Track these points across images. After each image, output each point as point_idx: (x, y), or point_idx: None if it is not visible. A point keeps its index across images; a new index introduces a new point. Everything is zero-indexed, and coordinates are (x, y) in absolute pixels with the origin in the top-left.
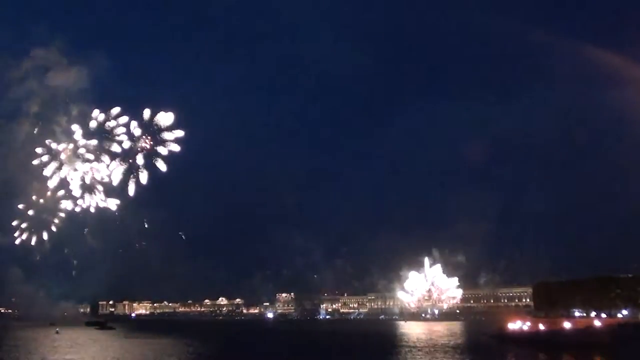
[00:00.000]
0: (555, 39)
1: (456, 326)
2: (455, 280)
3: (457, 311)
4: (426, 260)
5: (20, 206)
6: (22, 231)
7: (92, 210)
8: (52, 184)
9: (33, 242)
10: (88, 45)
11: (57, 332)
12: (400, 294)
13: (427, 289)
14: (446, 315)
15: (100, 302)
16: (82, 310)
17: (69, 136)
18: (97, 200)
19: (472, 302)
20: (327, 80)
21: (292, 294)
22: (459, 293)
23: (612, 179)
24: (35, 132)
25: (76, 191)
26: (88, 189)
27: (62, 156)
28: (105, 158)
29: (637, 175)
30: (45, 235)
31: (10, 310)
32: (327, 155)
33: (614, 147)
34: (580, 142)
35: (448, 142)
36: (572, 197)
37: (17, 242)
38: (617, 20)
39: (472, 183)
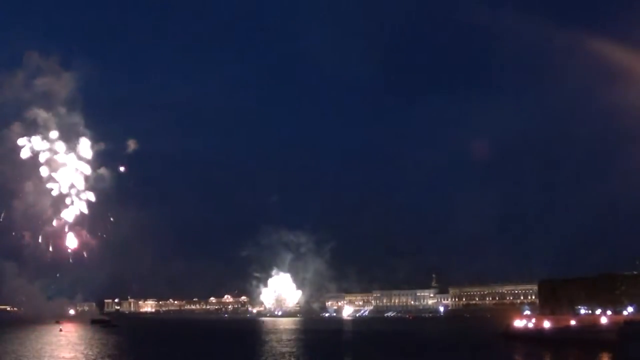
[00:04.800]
0: (558, 37)
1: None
2: None
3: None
4: None
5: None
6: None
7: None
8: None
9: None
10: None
11: (60, 330)
12: None
13: None
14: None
15: (106, 300)
16: (79, 308)
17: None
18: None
19: (477, 299)
20: (326, 79)
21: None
22: None
23: (615, 177)
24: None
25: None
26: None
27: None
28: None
29: None
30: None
31: (15, 309)
32: (331, 155)
33: (617, 145)
34: (583, 140)
35: (449, 141)
36: (576, 195)
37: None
38: (620, 17)
39: (475, 181)
